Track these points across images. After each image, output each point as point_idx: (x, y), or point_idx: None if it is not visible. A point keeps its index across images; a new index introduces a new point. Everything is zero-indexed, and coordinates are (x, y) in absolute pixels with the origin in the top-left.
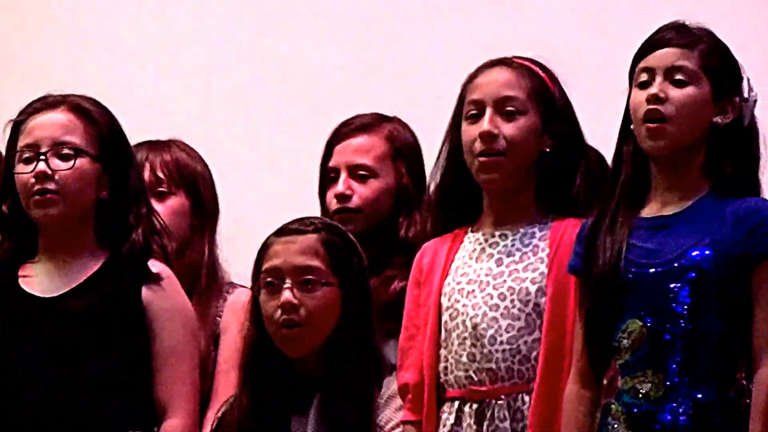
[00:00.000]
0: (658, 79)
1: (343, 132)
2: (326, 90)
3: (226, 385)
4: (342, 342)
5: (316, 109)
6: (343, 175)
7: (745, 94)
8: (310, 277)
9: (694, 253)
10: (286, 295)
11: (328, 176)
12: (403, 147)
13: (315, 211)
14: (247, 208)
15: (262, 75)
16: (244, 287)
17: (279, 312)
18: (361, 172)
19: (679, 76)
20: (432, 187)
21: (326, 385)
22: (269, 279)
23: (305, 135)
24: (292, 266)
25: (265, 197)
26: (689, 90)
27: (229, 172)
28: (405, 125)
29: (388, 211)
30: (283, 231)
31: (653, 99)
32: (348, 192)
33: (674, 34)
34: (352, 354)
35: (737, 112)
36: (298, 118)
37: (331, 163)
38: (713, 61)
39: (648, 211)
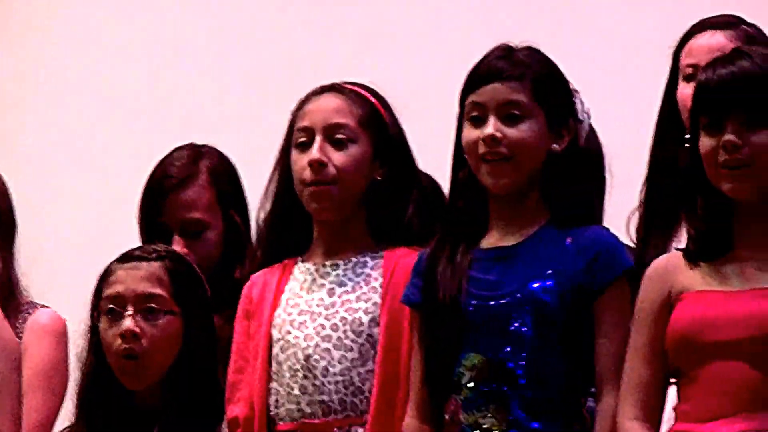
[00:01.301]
0: (492, 118)
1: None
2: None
3: (29, 408)
4: (183, 374)
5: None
6: None
7: (579, 115)
8: (153, 305)
9: (535, 285)
10: (128, 323)
11: None
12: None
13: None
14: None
15: None
16: (46, 307)
17: (119, 341)
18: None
19: (513, 112)
20: (262, 216)
21: (165, 419)
22: (111, 306)
23: None
24: (135, 294)
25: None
26: (525, 126)
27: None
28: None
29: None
30: (126, 257)
31: (489, 140)
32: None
33: (504, 63)
34: (193, 387)
35: (573, 134)
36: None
37: None
38: (545, 89)
39: (488, 242)
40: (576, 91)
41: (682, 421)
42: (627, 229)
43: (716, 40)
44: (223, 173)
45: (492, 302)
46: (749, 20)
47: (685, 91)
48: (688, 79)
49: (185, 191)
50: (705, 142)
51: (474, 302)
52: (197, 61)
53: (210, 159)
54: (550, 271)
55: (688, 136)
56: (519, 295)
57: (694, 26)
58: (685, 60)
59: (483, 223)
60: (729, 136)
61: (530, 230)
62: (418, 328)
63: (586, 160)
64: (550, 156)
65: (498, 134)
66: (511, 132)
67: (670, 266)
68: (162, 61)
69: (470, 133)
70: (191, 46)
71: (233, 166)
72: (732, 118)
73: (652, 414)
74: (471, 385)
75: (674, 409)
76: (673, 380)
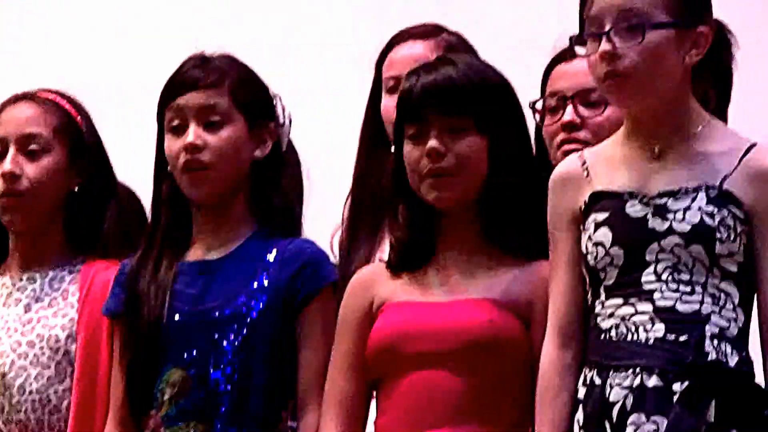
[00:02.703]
0: (193, 125)
1: None
2: None
3: None
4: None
5: None
6: None
7: (280, 119)
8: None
9: (240, 299)
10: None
11: None
12: None
13: None
14: None
15: None
16: None
17: None
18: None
19: (212, 119)
20: None
21: None
22: None
23: None
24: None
25: None
26: (225, 132)
27: None
28: None
29: None
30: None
31: (191, 148)
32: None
33: (200, 72)
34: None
35: (275, 138)
36: None
37: None
38: (244, 94)
39: (193, 255)
40: (276, 95)
41: None
42: (331, 245)
43: (417, 51)
44: None
45: (196, 317)
46: None
47: (388, 103)
48: (390, 91)
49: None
50: (409, 151)
51: (178, 316)
52: None
53: None
54: (255, 285)
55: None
56: (224, 310)
57: (394, 37)
58: (386, 72)
59: (187, 235)
60: (432, 143)
61: (236, 242)
62: (119, 340)
63: (289, 167)
64: (255, 162)
65: (198, 141)
66: (211, 139)
67: (373, 277)
68: None
69: (173, 143)
70: None
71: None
72: (435, 126)
73: (353, 427)
74: (172, 400)
75: (375, 422)
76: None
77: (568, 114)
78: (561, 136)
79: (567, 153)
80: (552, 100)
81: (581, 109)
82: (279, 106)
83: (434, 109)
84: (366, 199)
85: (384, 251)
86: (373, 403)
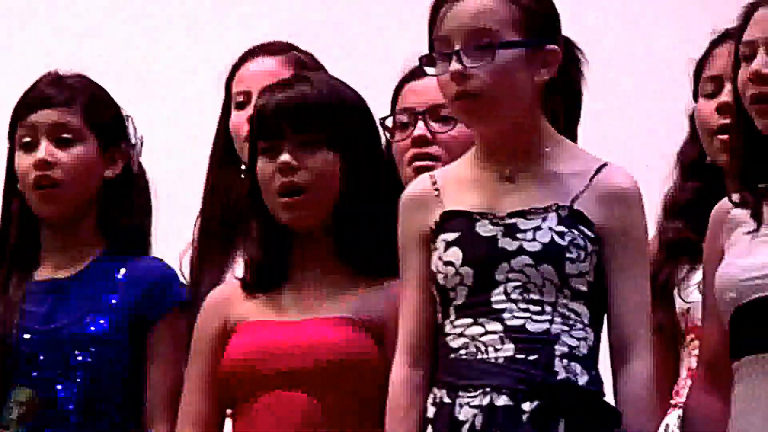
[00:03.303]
0: (44, 142)
1: None
2: None
3: None
4: None
5: None
6: None
7: (132, 140)
8: None
9: (89, 319)
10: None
11: None
12: None
13: None
14: None
15: None
16: None
17: None
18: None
19: (64, 136)
20: None
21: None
22: None
23: None
24: None
25: None
26: (76, 150)
27: None
28: None
29: None
30: None
31: (41, 165)
32: None
33: (53, 90)
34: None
35: (126, 159)
36: None
37: None
38: (95, 113)
39: (42, 274)
40: (129, 116)
41: None
42: (180, 264)
43: (266, 66)
44: None
45: (45, 336)
46: None
47: (237, 119)
48: (239, 106)
49: None
50: (262, 167)
51: (27, 335)
52: None
53: None
54: (104, 304)
55: (243, 167)
56: (73, 329)
57: (244, 53)
58: (236, 88)
59: (36, 253)
60: (284, 157)
61: (85, 261)
62: None
63: (139, 188)
64: (106, 182)
65: (49, 158)
66: (62, 156)
67: (227, 297)
68: None
69: (23, 160)
70: None
71: None
72: (288, 141)
73: None
74: (20, 419)
75: None
76: (230, 411)
77: (419, 129)
78: (412, 151)
79: (418, 169)
80: (403, 116)
81: (432, 125)
82: (131, 126)
83: (287, 124)
84: (216, 217)
85: (236, 270)
86: (229, 424)
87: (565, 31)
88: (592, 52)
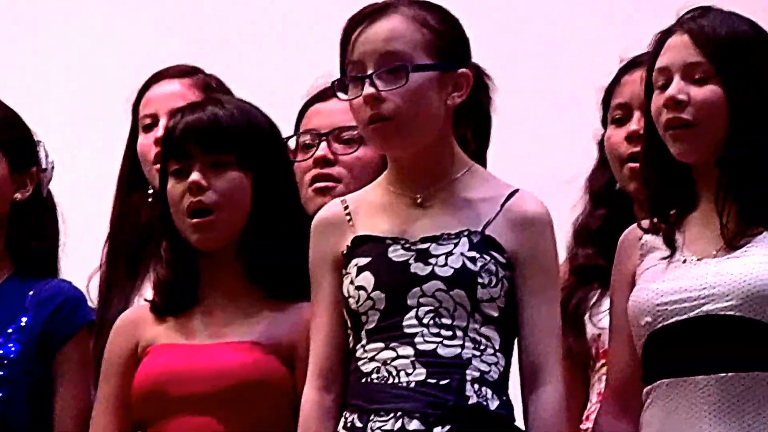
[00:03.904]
0: None
1: None
2: None
3: None
4: None
5: None
6: None
7: (43, 164)
8: None
9: None
10: None
11: None
12: None
13: None
14: None
15: None
16: None
17: None
18: None
19: None
20: None
21: None
22: None
23: None
24: None
25: None
26: None
27: None
28: None
29: None
30: None
31: None
32: None
33: None
34: None
35: (36, 182)
36: None
37: None
38: (7, 135)
39: None
40: (40, 141)
41: None
42: (88, 287)
43: (173, 88)
44: None
45: None
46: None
47: (144, 142)
48: (146, 129)
49: None
50: (172, 187)
51: None
52: None
53: None
54: (12, 326)
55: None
56: None
57: (150, 77)
58: (143, 110)
59: None
60: (194, 176)
61: None
62: None
63: (47, 211)
64: (14, 207)
65: None
66: None
67: (137, 319)
68: None
69: None
70: None
71: None
72: (198, 162)
73: None
74: None
75: None
76: None
77: (322, 149)
78: (314, 171)
79: (319, 190)
80: (306, 137)
81: (335, 146)
82: (42, 151)
83: (197, 144)
84: (124, 240)
85: (143, 294)
86: None
87: (477, 57)
88: (504, 78)
